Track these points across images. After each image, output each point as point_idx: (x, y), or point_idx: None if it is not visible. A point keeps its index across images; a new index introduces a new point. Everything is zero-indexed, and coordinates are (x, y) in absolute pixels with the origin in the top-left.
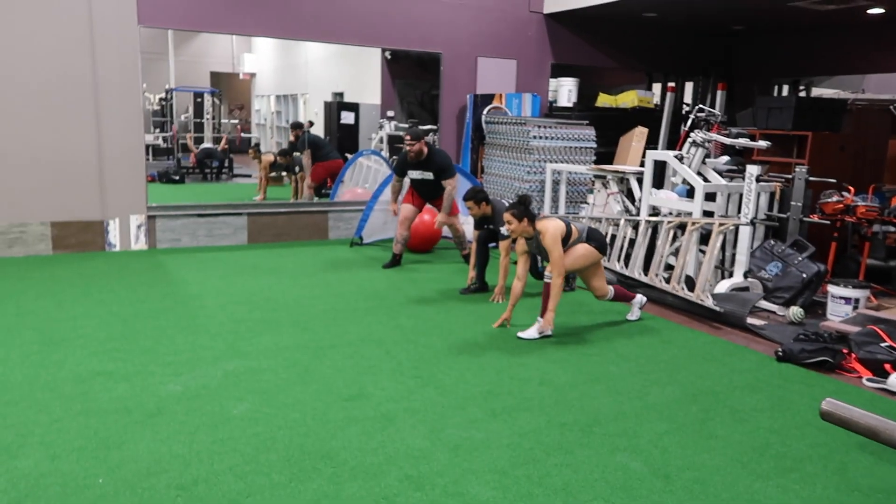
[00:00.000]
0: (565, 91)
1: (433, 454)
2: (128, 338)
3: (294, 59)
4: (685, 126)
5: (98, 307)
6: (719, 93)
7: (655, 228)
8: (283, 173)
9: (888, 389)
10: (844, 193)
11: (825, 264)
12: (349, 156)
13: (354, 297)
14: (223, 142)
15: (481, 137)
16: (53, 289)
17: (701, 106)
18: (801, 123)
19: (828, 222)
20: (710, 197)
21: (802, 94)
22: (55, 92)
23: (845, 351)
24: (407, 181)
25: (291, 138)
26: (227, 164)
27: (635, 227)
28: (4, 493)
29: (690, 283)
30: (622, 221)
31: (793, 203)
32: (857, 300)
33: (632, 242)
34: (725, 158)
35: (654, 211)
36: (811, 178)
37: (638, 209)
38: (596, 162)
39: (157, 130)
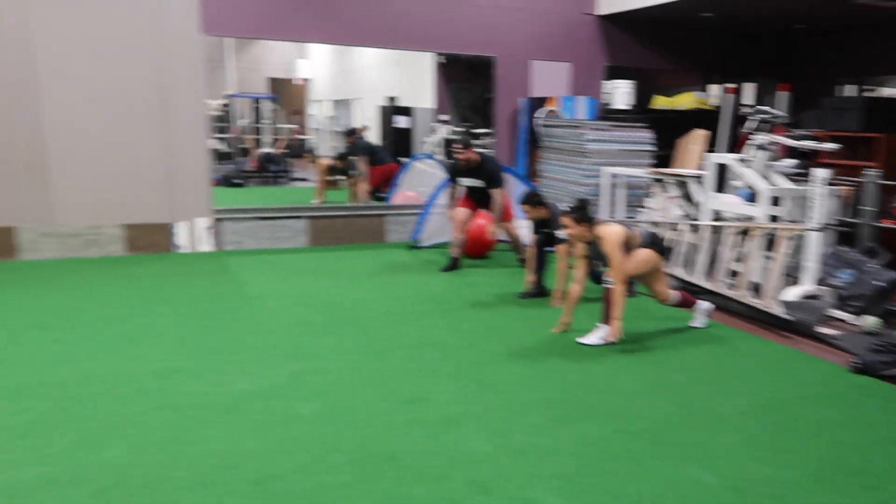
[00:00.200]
0: (620, 93)
1: (497, 459)
2: (198, 336)
3: (348, 64)
4: (742, 128)
5: (170, 306)
6: (781, 94)
7: (717, 233)
8: (341, 177)
9: None
10: None
11: None
12: (403, 160)
13: (412, 300)
14: (281, 145)
15: (536, 141)
16: (129, 288)
17: (760, 107)
18: (871, 125)
19: None
20: (774, 201)
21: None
22: (125, 100)
23: None
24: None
25: (347, 143)
26: (286, 168)
27: (696, 231)
28: (94, 481)
29: (756, 290)
30: (683, 226)
31: (864, 207)
32: None
33: (693, 247)
34: (794, 162)
35: (717, 215)
36: (883, 182)
37: (698, 213)
38: (654, 165)
39: (219, 135)
